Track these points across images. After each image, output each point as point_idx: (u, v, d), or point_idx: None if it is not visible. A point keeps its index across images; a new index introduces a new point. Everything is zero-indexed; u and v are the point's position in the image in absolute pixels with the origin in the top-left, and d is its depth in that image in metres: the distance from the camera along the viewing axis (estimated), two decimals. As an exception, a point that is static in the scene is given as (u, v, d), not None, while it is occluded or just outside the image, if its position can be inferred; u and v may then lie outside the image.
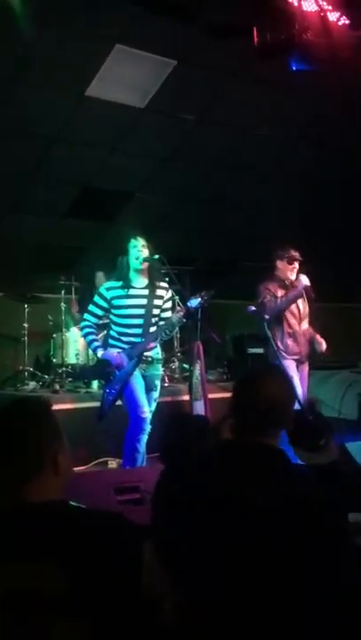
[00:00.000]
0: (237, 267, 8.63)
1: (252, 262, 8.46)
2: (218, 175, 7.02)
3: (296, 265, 5.37)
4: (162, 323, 4.68)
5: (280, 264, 5.43)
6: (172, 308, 4.83)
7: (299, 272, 5.36)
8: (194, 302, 4.59)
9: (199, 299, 4.59)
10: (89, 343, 4.81)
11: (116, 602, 1.34)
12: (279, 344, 5.28)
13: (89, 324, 4.73)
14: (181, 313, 4.61)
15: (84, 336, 4.84)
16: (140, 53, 5.38)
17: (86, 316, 4.77)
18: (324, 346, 5.44)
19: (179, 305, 4.94)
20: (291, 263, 5.37)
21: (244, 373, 2.32)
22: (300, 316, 5.43)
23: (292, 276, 5.33)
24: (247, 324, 7.69)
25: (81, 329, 4.98)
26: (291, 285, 5.31)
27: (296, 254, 5.41)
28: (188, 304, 4.59)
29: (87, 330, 4.74)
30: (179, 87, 5.69)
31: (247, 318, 6.88)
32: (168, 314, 4.72)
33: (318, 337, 5.47)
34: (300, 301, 5.41)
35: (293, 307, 5.38)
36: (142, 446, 4.57)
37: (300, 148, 6.85)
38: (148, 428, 4.57)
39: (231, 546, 1.73)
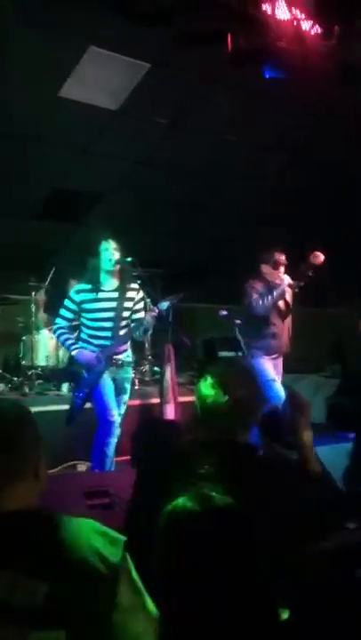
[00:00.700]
0: (208, 270, 8.65)
1: (223, 266, 8.51)
2: (190, 179, 7.04)
3: (282, 269, 5.30)
4: (133, 324, 4.68)
5: (265, 268, 5.36)
6: (145, 309, 4.83)
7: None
8: (163, 305, 4.62)
9: (168, 302, 4.63)
10: (63, 342, 4.80)
11: (94, 613, 1.33)
12: (260, 344, 5.26)
13: (60, 326, 4.73)
14: (154, 313, 4.60)
15: (58, 337, 4.85)
16: (114, 56, 5.38)
17: (57, 320, 4.78)
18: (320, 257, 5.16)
19: (150, 306, 4.90)
20: (276, 268, 5.30)
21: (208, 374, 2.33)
22: (285, 313, 5.40)
23: (278, 281, 5.25)
24: (218, 327, 7.71)
25: (54, 332, 4.98)
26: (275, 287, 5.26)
27: (282, 258, 5.32)
28: (158, 307, 4.61)
29: (60, 331, 4.74)
30: (152, 91, 5.70)
31: (218, 321, 6.91)
32: (140, 314, 4.72)
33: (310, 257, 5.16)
34: (286, 297, 5.36)
35: (280, 303, 5.33)
36: (111, 450, 4.56)
37: (272, 153, 6.91)
38: (116, 431, 4.57)
39: (209, 550, 1.73)
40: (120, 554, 1.43)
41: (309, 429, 2.38)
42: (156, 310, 4.60)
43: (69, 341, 4.67)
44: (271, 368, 5.29)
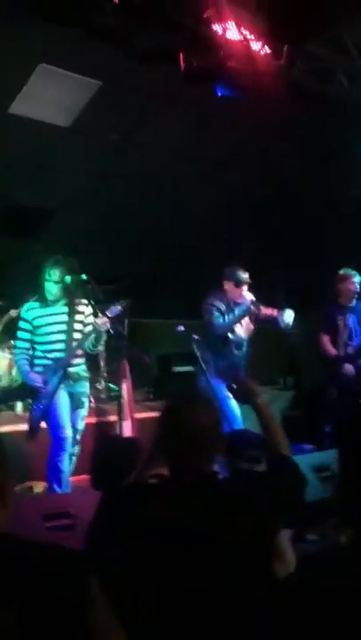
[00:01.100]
0: (162, 286, 8.67)
1: (176, 282, 8.53)
2: (143, 195, 7.06)
3: (245, 288, 5.08)
4: (84, 334, 4.67)
5: (227, 285, 5.14)
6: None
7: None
8: (113, 310, 4.63)
9: (118, 306, 4.63)
10: (20, 367, 4.82)
11: (68, 638, 1.31)
12: (215, 365, 5.16)
13: (21, 350, 4.74)
14: (105, 320, 4.58)
15: (17, 362, 4.88)
16: (65, 73, 5.36)
17: (17, 343, 4.79)
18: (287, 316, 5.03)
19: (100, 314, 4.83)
20: (239, 286, 5.08)
21: (168, 400, 2.28)
22: (241, 342, 5.28)
23: (240, 300, 5.06)
24: (173, 342, 7.71)
25: (16, 356, 4.96)
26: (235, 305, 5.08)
27: (245, 277, 5.10)
28: (108, 313, 4.61)
29: (19, 356, 4.75)
30: (104, 108, 5.70)
31: (173, 337, 6.87)
32: (90, 328, 4.73)
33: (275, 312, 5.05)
34: (243, 321, 5.19)
35: (237, 332, 5.18)
36: (65, 465, 4.54)
37: (225, 171, 6.98)
38: (70, 448, 4.56)
39: (171, 577, 1.73)
40: (88, 578, 1.41)
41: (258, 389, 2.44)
42: (107, 319, 4.57)
43: (25, 367, 4.67)
44: (224, 388, 5.23)
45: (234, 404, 5.08)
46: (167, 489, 2.00)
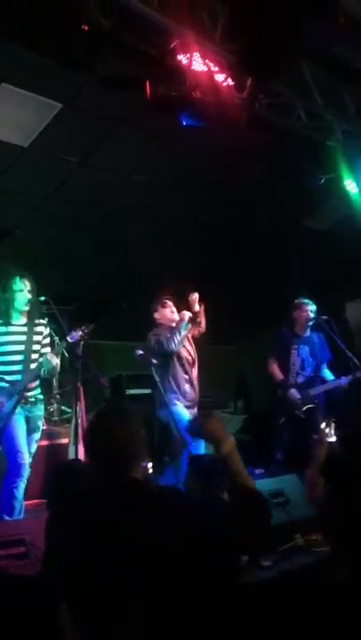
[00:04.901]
0: (115, 308, 8.65)
1: (130, 304, 8.52)
2: (98, 216, 7.06)
3: (171, 305, 5.49)
4: (42, 359, 4.63)
5: (157, 314, 5.53)
6: (51, 345, 4.79)
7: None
8: (74, 335, 4.61)
9: (80, 332, 4.62)
10: None
11: None
12: (176, 389, 5.26)
13: None
14: (54, 356, 4.57)
15: None
16: (25, 94, 5.33)
17: None
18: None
19: (57, 342, 4.82)
20: (165, 306, 5.49)
21: (91, 419, 2.49)
22: (192, 360, 5.49)
23: (175, 316, 5.44)
24: (125, 364, 7.68)
25: None
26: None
27: (169, 302, 5.52)
28: (69, 338, 4.59)
29: None
30: (63, 129, 5.69)
31: (124, 359, 6.82)
32: (47, 349, 4.70)
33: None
34: (189, 347, 5.48)
35: (185, 352, 5.44)
36: (20, 493, 4.44)
37: (178, 196, 7.05)
38: (26, 474, 4.46)
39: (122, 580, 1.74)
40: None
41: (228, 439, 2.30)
42: (56, 357, 4.55)
43: None
44: (186, 413, 5.29)
45: None
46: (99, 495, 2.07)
